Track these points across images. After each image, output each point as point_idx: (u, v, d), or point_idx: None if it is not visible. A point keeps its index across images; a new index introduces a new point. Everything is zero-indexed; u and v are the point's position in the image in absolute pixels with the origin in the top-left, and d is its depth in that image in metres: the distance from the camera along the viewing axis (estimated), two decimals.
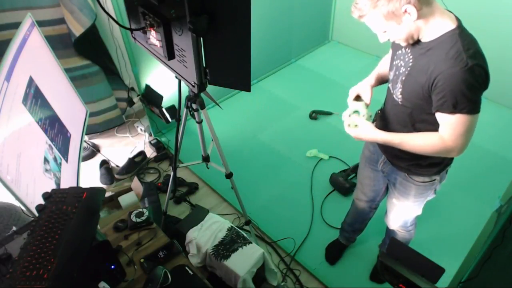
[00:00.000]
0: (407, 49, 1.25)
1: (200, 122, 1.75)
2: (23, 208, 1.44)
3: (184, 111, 1.70)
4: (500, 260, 1.43)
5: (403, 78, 1.26)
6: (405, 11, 1.08)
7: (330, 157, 2.83)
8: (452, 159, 1.45)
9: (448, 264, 1.17)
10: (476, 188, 2.55)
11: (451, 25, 1.13)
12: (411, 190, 1.52)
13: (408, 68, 1.24)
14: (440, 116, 1.19)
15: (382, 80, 1.52)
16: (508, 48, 2.88)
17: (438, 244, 2.23)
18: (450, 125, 1.17)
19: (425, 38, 1.17)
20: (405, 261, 1.10)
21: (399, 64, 1.29)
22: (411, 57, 1.23)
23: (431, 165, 1.43)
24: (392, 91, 1.37)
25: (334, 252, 2.20)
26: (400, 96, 1.30)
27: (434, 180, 1.47)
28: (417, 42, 1.20)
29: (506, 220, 1.39)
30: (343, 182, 2.50)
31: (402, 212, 1.66)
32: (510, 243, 1.37)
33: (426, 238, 2.22)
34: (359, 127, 1.37)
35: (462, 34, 1.12)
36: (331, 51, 4.18)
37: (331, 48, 4.22)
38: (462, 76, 1.08)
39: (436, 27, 1.14)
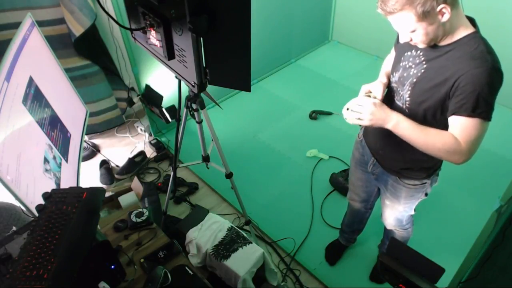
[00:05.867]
0: (418, 51, 1.23)
1: (200, 122, 1.75)
2: (23, 208, 1.44)
3: (184, 111, 1.70)
4: (500, 260, 1.43)
5: (414, 80, 1.23)
6: (440, 11, 1.05)
7: (330, 157, 2.83)
8: (441, 163, 1.45)
9: (448, 264, 1.17)
10: (476, 188, 2.55)
11: (471, 28, 1.13)
12: (402, 192, 1.52)
13: (422, 70, 1.21)
14: (455, 120, 1.16)
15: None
16: (508, 47, 2.88)
17: (438, 244, 2.23)
18: (464, 129, 1.15)
19: (444, 41, 1.15)
20: (405, 261, 1.10)
21: (407, 66, 1.26)
22: (422, 59, 1.21)
23: (422, 170, 1.43)
24: (394, 94, 1.35)
25: (334, 252, 2.20)
26: (408, 99, 1.27)
27: (425, 183, 1.47)
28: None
29: (506, 220, 1.39)
30: (343, 182, 2.50)
31: (395, 212, 1.66)
32: (510, 243, 1.37)
33: (426, 238, 2.22)
34: (376, 100, 1.25)
35: (482, 38, 1.12)
36: (331, 51, 4.18)
37: (331, 48, 4.22)
38: (487, 77, 1.07)
39: (458, 30, 1.13)
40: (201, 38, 1.26)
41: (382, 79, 1.41)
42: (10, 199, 1.44)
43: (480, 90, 1.08)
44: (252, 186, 2.62)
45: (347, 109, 1.28)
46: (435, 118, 1.24)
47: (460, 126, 1.15)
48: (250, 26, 1.18)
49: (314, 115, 3.19)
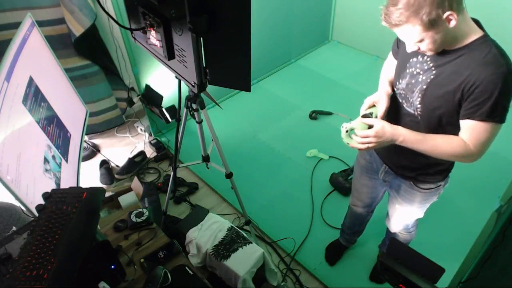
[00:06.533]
0: (424, 57, 1.20)
1: (200, 122, 1.75)
2: (23, 208, 1.44)
3: (184, 111, 1.70)
4: (500, 260, 1.43)
5: (424, 87, 1.20)
6: (447, 18, 1.02)
7: (330, 157, 2.83)
8: (454, 164, 1.44)
9: (448, 264, 1.17)
10: (476, 188, 2.55)
11: (479, 32, 1.12)
12: (416, 197, 1.50)
13: (432, 77, 1.18)
14: (468, 123, 1.14)
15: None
16: (509, 46, 2.88)
17: (438, 244, 2.23)
18: (477, 132, 1.13)
19: (453, 45, 1.13)
20: (405, 261, 1.10)
21: (414, 72, 1.23)
22: (431, 65, 1.18)
23: (438, 172, 1.41)
24: (403, 100, 1.32)
25: (334, 253, 2.20)
26: (419, 106, 1.24)
27: (439, 185, 1.46)
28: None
29: (506, 220, 1.38)
30: (343, 182, 2.50)
31: (405, 216, 1.65)
32: (510, 243, 1.37)
33: (426, 238, 2.22)
34: (376, 125, 1.24)
35: (492, 41, 1.11)
36: (331, 51, 4.18)
37: (331, 48, 4.22)
38: (503, 82, 1.05)
39: (466, 34, 1.11)
40: (201, 38, 1.26)
41: (385, 89, 1.38)
42: (10, 199, 1.44)
43: (497, 96, 1.06)
44: (252, 186, 2.62)
45: (346, 131, 1.33)
46: (450, 122, 1.21)
47: (473, 129, 1.14)
48: (250, 26, 1.18)
49: (314, 115, 3.19)
